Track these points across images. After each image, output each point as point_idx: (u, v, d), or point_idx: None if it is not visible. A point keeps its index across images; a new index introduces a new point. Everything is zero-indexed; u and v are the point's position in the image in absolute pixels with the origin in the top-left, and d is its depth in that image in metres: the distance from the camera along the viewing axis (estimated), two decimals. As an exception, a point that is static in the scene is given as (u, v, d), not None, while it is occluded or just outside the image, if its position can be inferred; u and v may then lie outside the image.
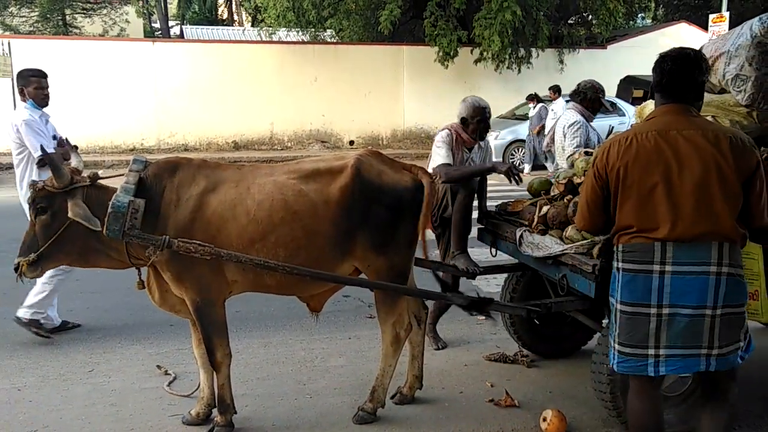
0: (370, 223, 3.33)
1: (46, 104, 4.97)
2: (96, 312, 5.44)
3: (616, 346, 2.67)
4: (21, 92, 4.92)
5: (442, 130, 4.45)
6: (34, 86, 4.90)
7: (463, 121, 4.40)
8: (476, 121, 4.38)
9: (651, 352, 2.60)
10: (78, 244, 3.22)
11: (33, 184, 3.21)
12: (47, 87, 4.97)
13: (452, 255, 4.12)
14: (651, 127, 2.62)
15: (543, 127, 13.47)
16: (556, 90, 13.47)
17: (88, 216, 3.12)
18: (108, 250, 3.26)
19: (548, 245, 3.51)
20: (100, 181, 3.34)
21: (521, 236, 3.73)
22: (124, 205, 3.07)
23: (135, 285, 3.38)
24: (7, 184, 13.11)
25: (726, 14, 16.88)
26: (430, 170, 4.11)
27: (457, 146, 4.39)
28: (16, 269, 3.21)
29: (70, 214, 3.11)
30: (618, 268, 2.67)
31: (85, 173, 3.36)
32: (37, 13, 24.57)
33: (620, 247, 2.66)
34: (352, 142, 18.97)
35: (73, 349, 4.67)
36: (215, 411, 3.50)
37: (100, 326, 5.12)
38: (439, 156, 4.28)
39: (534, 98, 14.26)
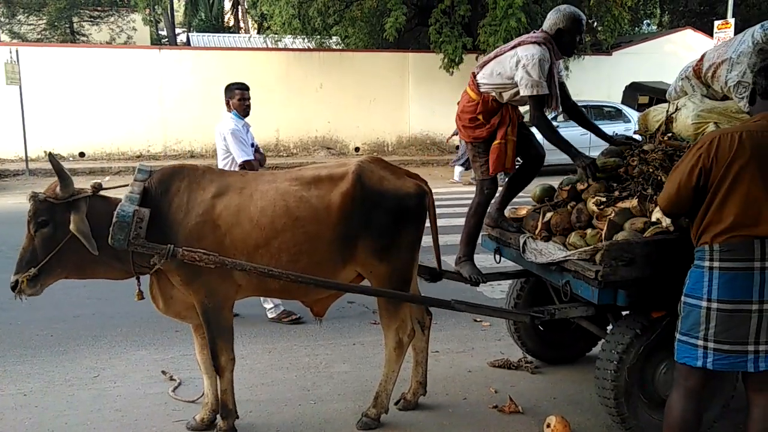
0: (371, 229, 3.34)
1: (248, 114, 5.40)
2: (102, 318, 5.46)
3: (711, 345, 2.71)
4: (227, 103, 5.38)
5: (530, 44, 3.74)
6: (237, 98, 5.34)
7: (558, 33, 3.80)
8: (573, 35, 3.82)
9: (751, 348, 2.67)
10: (79, 256, 3.16)
11: (34, 196, 3.14)
12: (249, 98, 5.42)
13: (457, 261, 4.11)
14: (764, 128, 2.67)
15: None
16: None
17: (88, 235, 3.08)
18: (111, 260, 3.23)
19: (551, 252, 3.52)
20: (104, 192, 3.31)
21: (525, 243, 3.74)
22: (129, 214, 3.08)
23: (135, 296, 3.36)
24: (12, 190, 13.20)
25: (731, 20, 16.85)
26: (523, 91, 3.71)
27: (552, 64, 3.83)
28: (14, 287, 3.11)
29: (72, 228, 3.06)
30: (711, 267, 2.70)
31: (88, 183, 3.33)
32: (45, 21, 24.81)
33: (715, 247, 2.68)
34: (357, 149, 19.02)
35: (79, 355, 4.70)
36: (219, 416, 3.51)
37: (106, 332, 5.15)
38: (532, 84, 3.68)
39: None
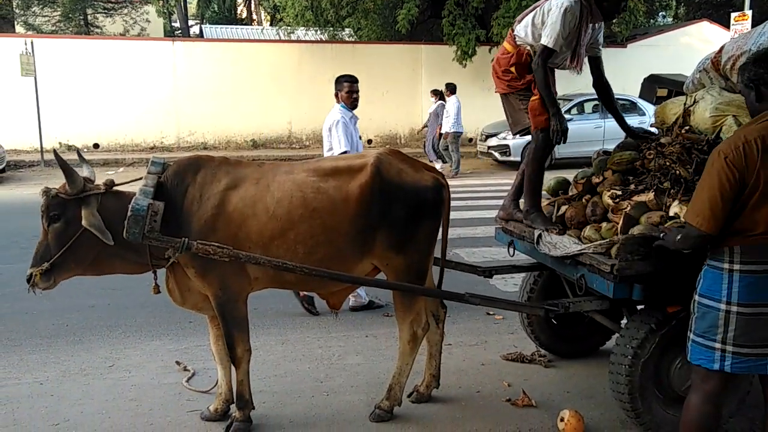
0: (389, 222, 3.33)
1: (356, 107, 5.51)
2: (116, 308, 5.51)
3: (729, 348, 2.66)
4: (336, 95, 5.49)
5: None
6: (346, 90, 5.43)
7: None
8: (618, 1, 3.69)
9: None
10: (93, 252, 3.18)
11: (46, 192, 3.18)
12: (357, 91, 5.49)
13: (526, 214, 3.94)
14: None
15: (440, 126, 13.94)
16: (450, 88, 13.95)
17: (101, 227, 3.11)
18: (127, 254, 3.24)
19: (566, 245, 3.50)
20: (117, 187, 3.33)
21: (539, 236, 3.72)
22: (144, 208, 3.08)
23: (151, 289, 3.39)
24: (28, 181, 13.31)
25: (748, 12, 16.66)
26: (542, 39, 3.67)
27: (584, 23, 3.69)
28: (28, 280, 3.15)
29: (84, 223, 3.09)
30: (731, 270, 2.64)
31: (102, 178, 3.35)
32: (59, 13, 24.94)
33: (736, 249, 2.62)
34: (370, 141, 19.00)
35: (94, 345, 4.74)
36: (233, 407, 3.53)
37: (120, 322, 5.19)
38: (549, 34, 3.64)
39: (437, 94, 14.37)
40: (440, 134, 14.26)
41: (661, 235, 2.96)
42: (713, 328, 2.68)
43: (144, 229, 3.07)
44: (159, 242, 3.12)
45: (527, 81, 3.85)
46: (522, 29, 3.85)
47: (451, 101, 13.77)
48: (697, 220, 2.65)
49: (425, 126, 14.80)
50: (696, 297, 2.77)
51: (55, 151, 3.24)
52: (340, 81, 5.50)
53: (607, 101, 4.19)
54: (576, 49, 3.78)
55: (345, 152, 5.17)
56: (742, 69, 2.74)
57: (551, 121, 3.71)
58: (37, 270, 3.14)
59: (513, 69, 3.86)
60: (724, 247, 2.66)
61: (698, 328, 2.75)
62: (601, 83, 4.11)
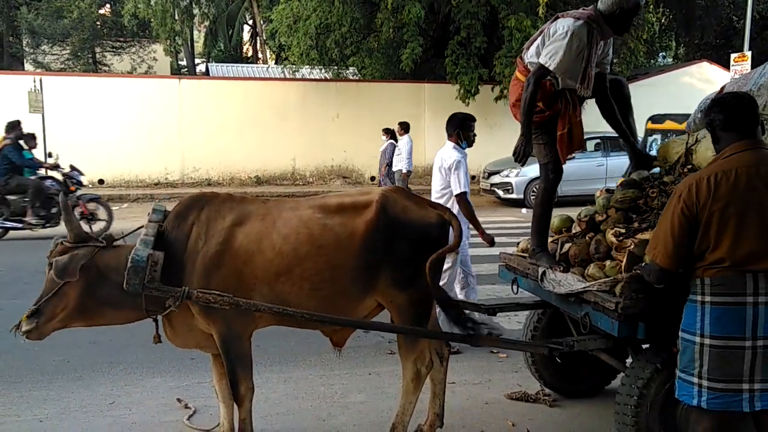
0: (393, 259, 3.33)
1: (472, 146, 5.54)
2: (118, 345, 5.47)
3: (704, 382, 2.65)
4: (457, 135, 5.42)
5: (570, 17, 3.65)
6: (470, 130, 5.47)
7: (621, 12, 3.58)
8: (632, 15, 3.64)
9: (746, 386, 2.61)
10: (80, 300, 3.17)
11: (56, 241, 3.25)
12: (474, 129, 5.52)
13: (532, 252, 3.97)
14: (738, 164, 2.63)
15: (389, 165, 13.83)
16: (403, 126, 13.89)
17: (65, 267, 3.08)
18: (122, 303, 3.24)
19: (570, 282, 3.49)
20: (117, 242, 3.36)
21: (543, 273, 3.71)
22: (143, 259, 3.10)
23: (152, 338, 3.39)
24: (34, 216, 13.33)
25: (748, 53, 16.89)
26: (540, 58, 3.66)
27: (593, 44, 3.65)
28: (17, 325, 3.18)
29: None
30: (703, 302, 2.66)
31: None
32: (68, 51, 25.41)
33: (706, 281, 2.65)
34: (373, 178, 19.08)
35: (95, 382, 4.70)
36: (235, 446, 3.49)
37: (122, 359, 5.15)
38: (551, 55, 3.61)
39: (388, 133, 14.36)
40: (389, 172, 14.06)
41: (642, 264, 3.01)
42: (691, 363, 2.69)
43: (144, 279, 3.09)
44: (159, 292, 3.13)
45: (551, 112, 3.80)
46: (533, 56, 3.77)
47: (403, 140, 13.67)
48: (652, 253, 2.79)
49: (388, 165, 14.74)
50: (679, 332, 2.79)
51: (61, 197, 3.30)
52: (464, 121, 5.43)
53: (610, 116, 4.10)
54: (586, 71, 3.72)
55: (464, 193, 5.17)
56: (704, 115, 2.84)
57: (518, 140, 3.70)
58: (25, 315, 3.16)
59: (540, 103, 3.76)
60: (696, 279, 2.70)
61: (681, 363, 2.76)
62: (604, 99, 4.04)
